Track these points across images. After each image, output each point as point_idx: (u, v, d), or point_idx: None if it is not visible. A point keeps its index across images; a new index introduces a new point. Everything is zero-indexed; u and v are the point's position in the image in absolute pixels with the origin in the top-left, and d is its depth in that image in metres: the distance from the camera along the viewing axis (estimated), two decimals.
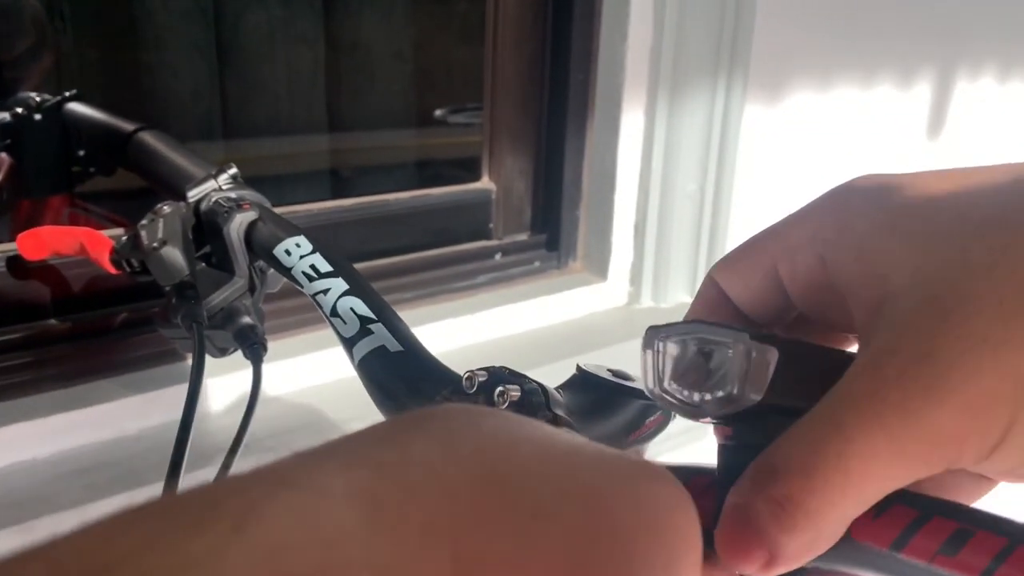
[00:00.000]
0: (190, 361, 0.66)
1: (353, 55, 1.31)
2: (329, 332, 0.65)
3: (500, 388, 0.35)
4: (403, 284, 0.79)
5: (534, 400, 0.35)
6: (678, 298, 0.90)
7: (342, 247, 0.77)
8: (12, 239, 0.62)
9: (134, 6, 1.12)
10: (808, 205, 0.26)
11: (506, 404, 0.34)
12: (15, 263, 0.63)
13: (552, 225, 0.88)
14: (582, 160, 0.85)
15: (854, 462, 0.20)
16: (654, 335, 0.27)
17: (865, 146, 1.07)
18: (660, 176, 0.85)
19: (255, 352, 0.48)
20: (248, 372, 0.49)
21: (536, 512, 0.16)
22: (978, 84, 1.19)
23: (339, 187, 1.32)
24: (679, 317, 0.89)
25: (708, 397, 0.26)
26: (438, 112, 1.38)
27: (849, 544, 0.23)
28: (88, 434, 0.60)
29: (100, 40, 1.11)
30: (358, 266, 0.76)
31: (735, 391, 0.25)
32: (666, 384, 0.27)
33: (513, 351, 0.79)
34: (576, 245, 0.89)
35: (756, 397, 0.25)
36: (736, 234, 0.92)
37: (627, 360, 0.85)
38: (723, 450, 0.27)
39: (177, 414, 0.63)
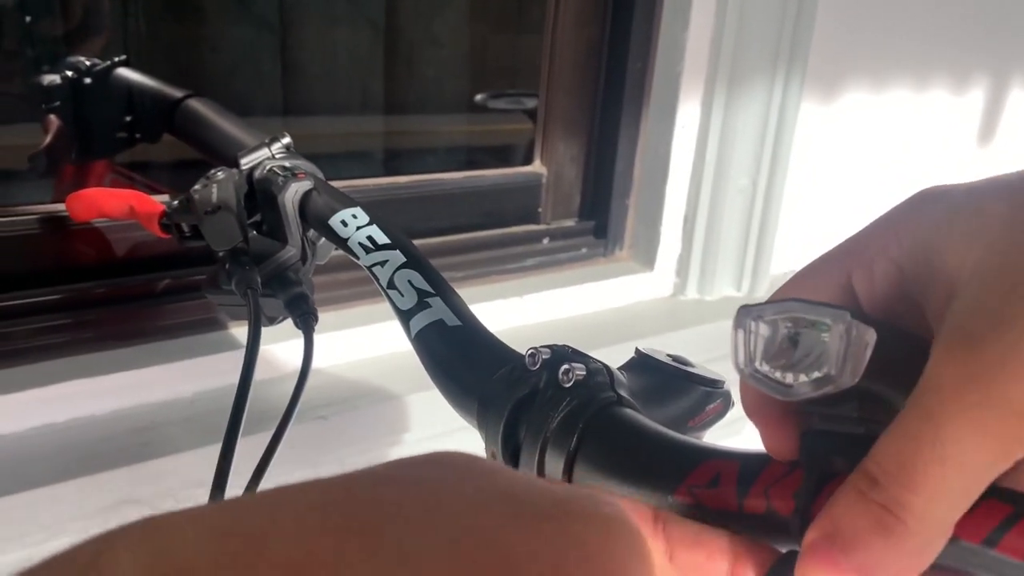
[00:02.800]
0: (232, 329, 0.66)
1: (408, 40, 1.30)
2: (379, 305, 0.65)
3: (565, 366, 0.33)
4: (451, 263, 0.78)
5: (599, 380, 0.34)
6: (724, 291, 0.88)
7: (393, 223, 0.76)
8: (56, 200, 0.62)
9: None
10: (881, 218, 0.27)
11: (571, 382, 0.33)
12: (61, 223, 0.62)
13: (601, 213, 0.86)
14: (635, 149, 0.83)
15: (949, 449, 0.20)
16: (746, 314, 0.25)
17: (916, 148, 1.04)
18: (713, 169, 0.83)
19: (307, 321, 0.47)
20: (297, 342, 0.48)
21: (403, 559, 0.16)
22: None
23: (386, 166, 1.31)
24: (724, 311, 0.87)
25: (803, 378, 0.24)
26: (478, 97, 1.37)
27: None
28: (144, 394, 0.60)
29: (165, 14, 1.11)
30: None
31: (832, 372, 0.24)
32: (758, 364, 0.25)
33: (558, 336, 0.76)
34: (624, 234, 0.87)
35: (852, 380, 0.23)
36: (786, 230, 0.90)
37: (672, 350, 0.83)
38: (808, 437, 0.26)
39: (223, 381, 0.63)
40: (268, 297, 0.49)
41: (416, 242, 0.76)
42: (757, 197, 0.86)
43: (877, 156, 1.00)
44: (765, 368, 0.25)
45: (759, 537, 0.27)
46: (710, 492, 0.28)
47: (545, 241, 0.85)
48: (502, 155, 1.36)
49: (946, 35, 1.01)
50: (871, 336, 0.23)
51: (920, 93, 1.01)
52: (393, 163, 1.32)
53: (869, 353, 0.23)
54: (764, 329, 0.25)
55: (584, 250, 0.86)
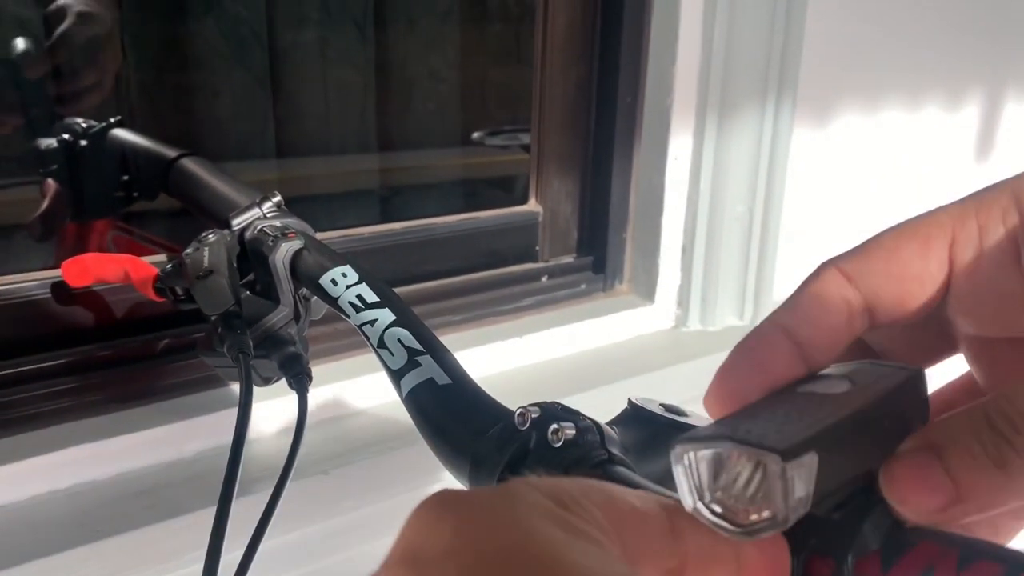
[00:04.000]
0: (233, 387, 0.66)
1: (397, 77, 1.31)
2: (372, 357, 0.65)
3: (554, 425, 0.33)
4: (450, 307, 0.78)
5: (589, 438, 0.33)
6: (727, 321, 0.88)
7: (390, 270, 0.76)
8: (57, 263, 0.62)
9: (189, 29, 1.13)
10: (979, 192, 0.25)
11: (560, 442, 0.33)
12: (59, 289, 0.63)
13: (598, 247, 0.86)
14: (629, 182, 0.84)
15: None
16: (683, 449, 0.25)
17: (911, 167, 1.04)
18: (708, 198, 0.83)
19: (300, 382, 0.47)
20: (291, 397, 0.48)
21: None
22: None
23: (381, 206, 1.32)
24: (728, 341, 0.86)
25: (754, 516, 0.24)
26: (476, 135, 1.38)
27: None
28: (146, 457, 0.60)
29: (153, 61, 1.12)
30: (405, 289, 0.77)
31: (780, 511, 0.23)
32: (706, 501, 0.24)
33: (560, 374, 0.77)
34: (623, 267, 0.87)
35: (805, 509, 0.23)
36: (785, 256, 0.90)
37: (676, 384, 0.83)
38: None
39: (224, 439, 0.63)
40: (262, 359, 0.49)
41: (414, 287, 0.78)
42: (754, 224, 0.85)
43: (873, 176, 1.00)
44: (716, 505, 0.24)
45: None
46: None
47: (544, 279, 0.85)
48: (500, 187, 1.36)
49: (938, 52, 1.01)
50: (811, 462, 0.22)
51: (913, 112, 1.01)
52: (390, 201, 1.33)
53: (814, 481, 0.22)
54: (705, 462, 0.24)
55: (583, 286, 0.86)
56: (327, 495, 0.62)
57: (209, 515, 0.57)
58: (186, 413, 0.62)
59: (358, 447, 0.64)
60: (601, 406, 0.76)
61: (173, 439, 0.61)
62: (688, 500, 0.25)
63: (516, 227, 0.84)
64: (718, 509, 0.24)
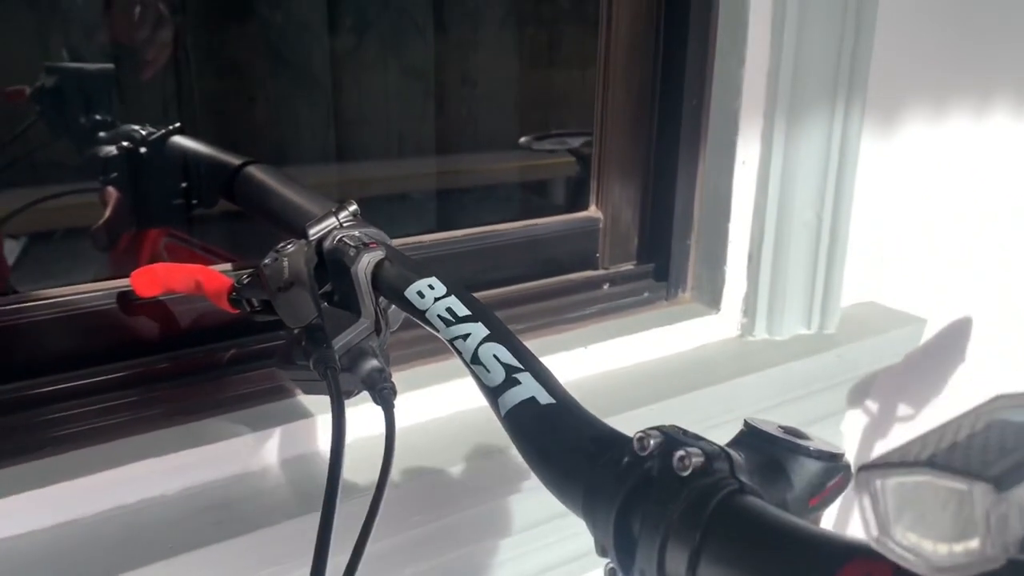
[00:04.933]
0: (300, 396, 0.65)
1: (452, 81, 1.30)
2: (439, 364, 0.63)
3: (680, 452, 0.31)
4: (512, 316, 0.76)
5: (718, 466, 0.31)
6: (794, 329, 0.85)
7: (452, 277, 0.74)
8: (114, 270, 0.61)
9: (248, 34, 1.12)
10: None
11: (688, 471, 0.31)
12: (124, 299, 0.62)
13: (661, 255, 0.84)
14: (694, 188, 0.81)
15: None
16: (870, 475, 0.23)
17: (979, 174, 1.01)
18: (776, 204, 0.81)
19: (386, 397, 0.46)
20: (365, 406, 0.47)
21: None
22: None
23: (435, 209, 1.31)
24: (796, 350, 0.83)
25: (953, 550, 0.21)
26: (523, 139, 1.36)
27: None
28: (213, 471, 0.59)
29: (214, 67, 1.12)
30: None
31: (982, 547, 0.21)
32: (892, 531, 0.22)
33: (626, 385, 0.75)
34: (686, 275, 0.85)
35: (1004, 555, 0.21)
36: (853, 263, 0.87)
37: (745, 394, 0.80)
38: None
39: (292, 451, 0.62)
40: (344, 372, 0.48)
41: (476, 295, 0.76)
42: (823, 231, 0.83)
43: (940, 183, 0.97)
44: (902, 536, 0.22)
45: None
46: None
47: (605, 287, 0.83)
48: (552, 191, 1.35)
49: (1008, 55, 0.98)
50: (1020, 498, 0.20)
51: (982, 116, 0.98)
52: (445, 203, 1.32)
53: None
54: (897, 489, 0.22)
55: (646, 294, 0.84)
56: (395, 509, 0.60)
57: (279, 531, 0.56)
58: (253, 425, 0.61)
59: (430, 459, 0.62)
60: (670, 419, 0.74)
61: (240, 452, 0.60)
62: (873, 530, 0.23)
63: (577, 234, 0.82)
64: (907, 542, 0.22)
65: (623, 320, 0.81)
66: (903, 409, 1.02)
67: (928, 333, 0.99)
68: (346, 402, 0.48)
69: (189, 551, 0.53)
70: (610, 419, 0.70)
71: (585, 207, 0.84)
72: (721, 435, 0.77)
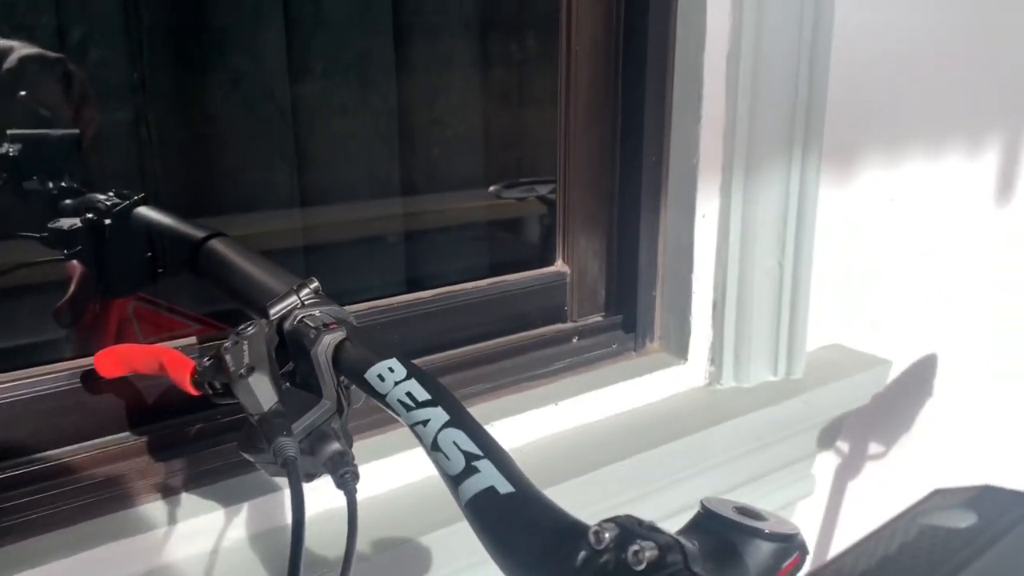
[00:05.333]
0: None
1: (416, 129, 1.31)
2: (399, 433, 0.63)
3: (635, 546, 0.32)
4: (482, 374, 0.76)
5: (671, 559, 0.32)
6: (761, 376, 0.86)
7: (419, 339, 0.75)
8: (81, 343, 0.61)
9: (207, 81, 1.13)
10: None
11: (643, 564, 0.31)
12: (89, 378, 0.61)
13: (628, 306, 0.85)
14: (657, 240, 0.83)
15: None
16: None
17: (934, 214, 1.03)
18: (738, 254, 0.82)
19: (348, 481, 0.46)
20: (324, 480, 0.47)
21: None
22: None
23: (405, 250, 1.31)
24: (763, 398, 0.84)
25: None
26: (492, 188, 1.37)
27: None
28: (184, 548, 0.58)
29: (172, 115, 1.12)
30: (435, 357, 0.75)
31: None
32: None
33: (597, 440, 0.75)
34: (653, 325, 0.86)
35: None
36: (817, 308, 0.89)
37: (714, 443, 0.81)
38: None
39: (265, 526, 0.61)
40: (305, 455, 0.48)
41: (444, 355, 0.76)
42: (785, 278, 0.84)
43: (898, 225, 0.99)
44: None
45: None
46: None
47: (575, 340, 0.83)
48: (520, 232, 1.35)
49: (958, 99, 1.01)
50: None
51: (935, 159, 1.00)
52: (409, 247, 1.32)
53: None
54: None
55: (615, 346, 0.85)
56: None
57: None
58: (224, 501, 0.61)
59: (400, 529, 0.62)
60: (643, 472, 0.74)
61: (210, 529, 0.60)
62: None
63: (544, 288, 0.83)
64: None
65: (593, 373, 0.82)
66: (874, 448, 1.03)
67: (894, 373, 1.00)
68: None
69: None
70: (583, 476, 0.70)
71: (553, 256, 0.85)
72: (693, 487, 0.78)
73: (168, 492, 0.61)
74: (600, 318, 0.86)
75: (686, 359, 0.84)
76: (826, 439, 0.90)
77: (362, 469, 0.65)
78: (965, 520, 0.22)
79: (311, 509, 0.62)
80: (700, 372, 0.86)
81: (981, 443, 1.21)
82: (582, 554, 0.33)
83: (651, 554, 0.31)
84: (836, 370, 0.89)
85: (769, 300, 0.85)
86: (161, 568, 0.58)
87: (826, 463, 1.01)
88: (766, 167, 0.80)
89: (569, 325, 0.84)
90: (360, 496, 0.66)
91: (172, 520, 0.59)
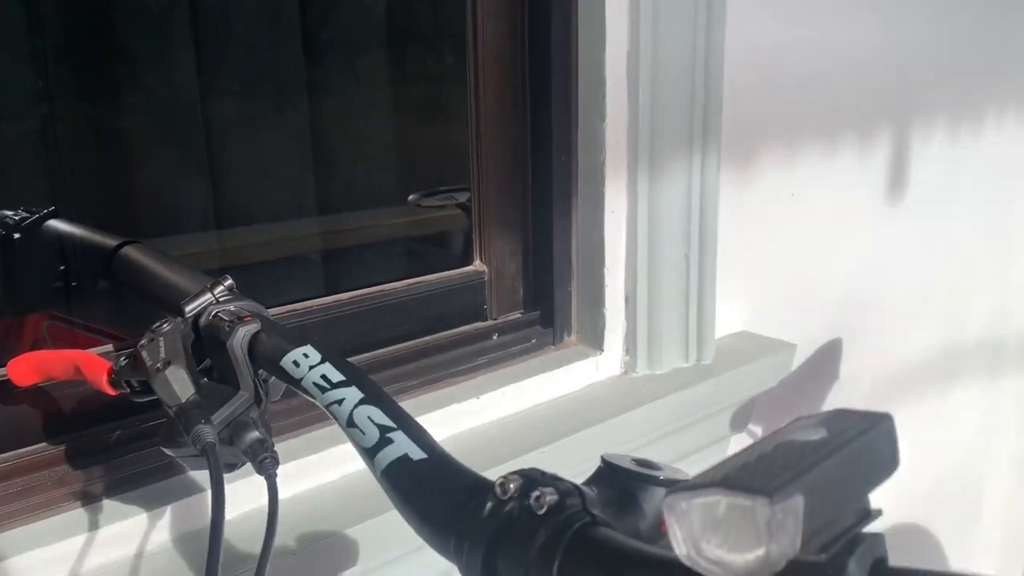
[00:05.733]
0: (193, 473, 0.65)
1: (330, 144, 1.32)
2: (331, 430, 0.64)
3: (536, 492, 0.34)
4: (404, 373, 0.78)
5: (570, 503, 0.34)
6: (673, 363, 0.90)
7: (340, 341, 0.76)
8: None
9: (119, 107, 1.12)
10: None
11: (544, 508, 0.34)
12: (2, 388, 0.61)
13: (545, 302, 0.88)
14: (570, 237, 0.86)
15: None
16: (675, 499, 0.26)
17: (829, 208, 1.09)
18: (646, 248, 0.86)
19: (268, 467, 0.47)
20: (255, 477, 0.48)
21: None
22: (932, 144, 1.23)
23: (322, 272, 1.32)
24: (676, 382, 0.88)
25: (746, 558, 0.25)
26: (411, 197, 1.39)
27: None
28: (107, 554, 0.58)
29: (84, 142, 1.11)
30: (357, 358, 0.76)
31: (771, 555, 0.24)
32: (699, 548, 0.26)
33: (518, 431, 0.78)
34: (570, 320, 0.89)
35: (793, 551, 0.24)
36: (724, 297, 0.93)
37: (631, 428, 0.84)
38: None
39: (189, 527, 0.62)
40: (225, 445, 0.49)
41: (366, 355, 0.78)
42: (691, 269, 0.88)
43: (797, 216, 1.05)
44: (708, 550, 0.26)
45: None
46: None
47: (495, 337, 0.86)
48: (441, 246, 1.37)
49: (850, 96, 1.07)
50: (799, 505, 0.24)
51: (830, 158, 1.06)
52: (331, 264, 1.33)
53: (801, 523, 0.24)
54: (697, 512, 0.26)
55: (534, 340, 0.87)
56: (295, 575, 0.61)
57: None
58: (146, 505, 0.61)
59: (325, 523, 0.63)
60: (563, 458, 0.77)
61: (133, 534, 0.60)
62: (682, 548, 0.26)
63: (463, 288, 0.85)
64: (712, 555, 0.25)
65: (513, 368, 0.84)
66: None
67: (800, 357, 1.05)
68: (244, 473, 0.49)
69: None
70: (505, 465, 0.73)
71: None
72: None
73: (88, 499, 0.61)
74: (519, 315, 0.88)
75: (602, 350, 0.87)
76: (738, 422, 0.95)
77: (288, 467, 0.67)
78: (817, 435, 0.25)
79: (237, 508, 0.63)
80: (616, 362, 0.89)
81: None
82: (489, 505, 0.35)
83: (551, 499, 0.34)
84: (744, 355, 0.93)
85: (678, 291, 0.89)
86: (84, 574, 0.57)
87: (740, 445, 1.05)
88: (669, 164, 0.85)
89: (489, 323, 0.87)
90: (286, 493, 0.67)
91: (93, 526, 0.58)
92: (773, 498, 0.24)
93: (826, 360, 1.14)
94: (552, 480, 0.35)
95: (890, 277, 1.21)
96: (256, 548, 0.60)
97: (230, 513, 0.63)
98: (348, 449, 0.68)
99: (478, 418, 0.78)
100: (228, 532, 0.62)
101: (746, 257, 0.99)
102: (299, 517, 0.64)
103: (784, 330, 1.01)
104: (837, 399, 1.17)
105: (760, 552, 0.24)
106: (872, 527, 0.28)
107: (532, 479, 0.35)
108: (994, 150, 1.34)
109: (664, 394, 0.85)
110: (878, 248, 1.18)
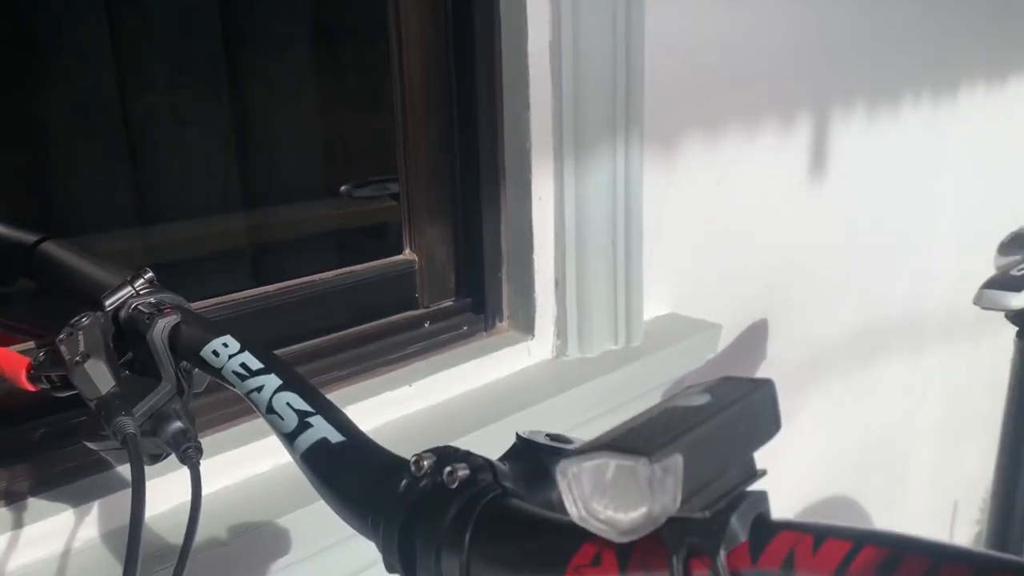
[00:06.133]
0: (120, 469, 0.64)
1: (256, 136, 1.31)
2: (260, 422, 0.65)
3: (449, 468, 0.35)
4: (336, 362, 0.78)
5: (482, 477, 0.35)
6: (604, 346, 0.92)
7: (270, 333, 0.76)
8: None
9: (36, 102, 1.09)
10: None
11: (456, 483, 0.35)
12: None
13: (476, 289, 0.89)
14: (499, 224, 0.87)
15: None
16: (566, 465, 0.28)
17: (752, 190, 1.12)
18: (574, 233, 0.87)
19: (190, 456, 0.47)
20: (184, 472, 0.48)
21: None
22: (852, 126, 1.27)
23: (252, 266, 1.30)
24: (607, 365, 0.90)
25: (632, 516, 0.27)
26: (343, 188, 1.38)
27: None
28: (33, 552, 0.58)
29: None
30: (288, 349, 0.77)
31: (653, 508, 0.26)
32: (590, 509, 0.28)
33: (451, 416, 0.79)
34: (502, 306, 0.90)
35: (675, 506, 0.26)
36: (651, 281, 0.95)
37: (563, 410, 0.86)
38: (668, 523, 0.28)
39: (117, 523, 0.61)
40: (148, 436, 0.49)
41: (297, 347, 0.78)
42: (618, 254, 0.90)
43: (720, 201, 1.08)
44: (598, 510, 0.27)
45: None
46: (594, 570, 0.30)
47: (426, 325, 0.86)
48: (374, 237, 1.37)
49: (771, 79, 1.10)
50: (676, 463, 0.26)
51: (751, 138, 1.09)
52: (260, 261, 1.32)
53: (680, 481, 0.26)
54: (587, 476, 0.27)
55: (465, 328, 0.88)
56: (227, 567, 0.61)
57: None
58: (73, 502, 0.60)
59: (255, 515, 0.64)
60: (495, 442, 0.78)
61: (60, 531, 0.59)
62: (575, 511, 0.27)
63: (394, 277, 0.86)
64: (602, 515, 0.27)
65: (446, 355, 0.85)
66: None
67: (727, 337, 1.08)
68: (173, 467, 0.49)
69: None
70: None
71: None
72: None
73: (12, 498, 0.60)
74: (451, 302, 0.89)
75: (533, 335, 0.89)
76: None
77: (218, 459, 0.67)
78: (700, 400, 0.27)
79: (167, 502, 0.63)
80: (547, 346, 0.90)
81: (813, 399, 1.33)
82: (404, 482, 0.36)
83: (463, 474, 0.35)
84: (672, 336, 0.96)
85: (606, 275, 0.90)
86: (8, 573, 0.57)
87: None
88: (594, 151, 0.86)
89: (421, 311, 0.87)
90: (217, 485, 0.67)
91: (17, 525, 0.58)
92: (652, 458, 0.25)
93: (753, 339, 1.17)
94: (465, 456, 0.37)
95: (814, 257, 1.25)
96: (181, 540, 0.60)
97: (159, 507, 0.63)
98: (278, 440, 0.69)
99: (410, 405, 0.79)
100: (157, 525, 0.62)
101: (672, 241, 1.01)
102: (230, 509, 0.64)
103: (711, 312, 1.04)
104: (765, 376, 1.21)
105: (643, 510, 0.26)
106: (756, 486, 0.30)
107: (445, 455, 0.36)
108: (912, 130, 1.39)
109: (595, 376, 0.87)
110: (801, 229, 1.22)
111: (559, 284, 0.89)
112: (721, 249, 1.09)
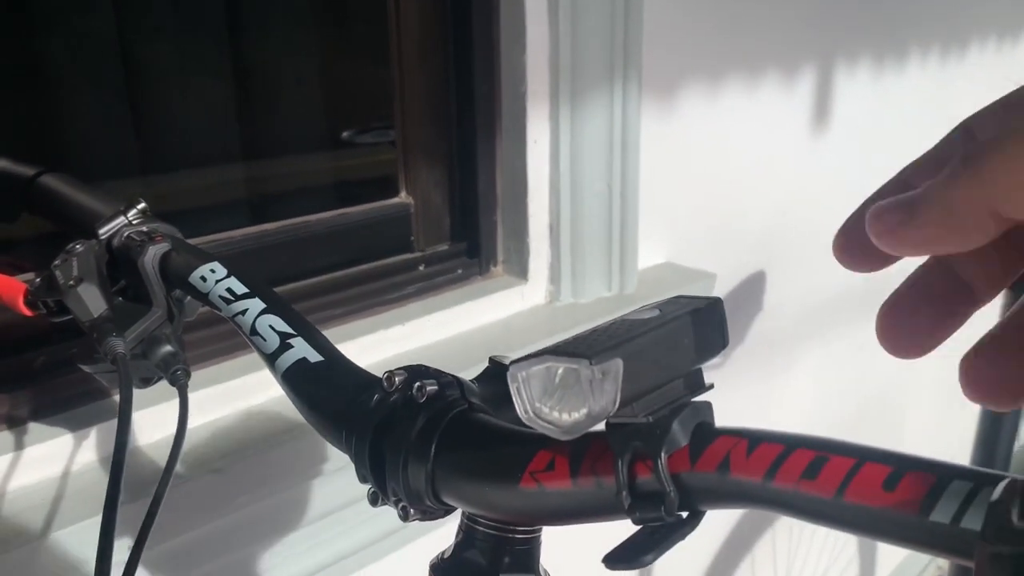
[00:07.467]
0: (115, 397, 0.66)
1: (258, 83, 1.31)
2: (252, 356, 0.66)
3: (418, 383, 0.36)
4: (332, 301, 0.80)
5: (450, 392, 0.37)
6: (597, 293, 0.93)
7: (267, 271, 0.77)
8: None
9: (35, 43, 1.10)
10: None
11: (424, 398, 0.36)
12: None
13: (471, 233, 0.90)
14: (494, 168, 0.88)
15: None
16: (516, 369, 0.29)
17: (752, 141, 1.12)
18: (569, 178, 0.88)
19: (179, 378, 0.49)
20: (192, 397, 0.50)
21: None
22: (856, 78, 1.26)
23: (253, 215, 1.31)
24: (599, 312, 0.92)
25: (575, 416, 0.28)
26: (345, 134, 1.39)
27: (729, 482, 0.26)
28: (32, 474, 0.60)
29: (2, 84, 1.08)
30: (286, 288, 0.78)
31: (593, 409, 0.28)
32: (536, 410, 0.29)
33: (443, 355, 0.80)
34: (496, 250, 0.91)
35: (613, 408, 0.27)
36: (647, 228, 0.96)
37: None
38: (611, 427, 0.29)
39: (111, 448, 0.63)
40: (140, 360, 0.50)
41: (294, 285, 0.79)
42: (614, 200, 0.91)
43: (719, 150, 1.08)
44: (543, 412, 0.29)
45: (593, 509, 0.31)
46: (548, 475, 0.31)
47: (421, 268, 0.88)
48: (375, 185, 1.38)
49: (773, 33, 1.10)
50: (615, 367, 0.27)
51: (751, 91, 1.09)
52: (262, 209, 1.32)
53: (619, 383, 0.27)
54: (534, 378, 0.29)
55: (460, 271, 0.90)
56: (222, 493, 0.63)
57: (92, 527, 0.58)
58: (72, 427, 0.62)
59: (249, 443, 0.66)
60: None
61: (59, 454, 0.61)
62: (522, 411, 0.29)
63: (389, 219, 0.87)
64: (548, 416, 0.29)
65: (440, 297, 0.87)
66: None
67: (722, 287, 1.09)
68: (172, 396, 0.51)
69: (20, 547, 0.55)
70: None
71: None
72: None
73: (13, 422, 0.62)
74: (446, 246, 0.90)
75: (527, 279, 0.90)
76: None
77: (214, 389, 0.69)
78: (649, 314, 0.28)
79: (160, 431, 0.65)
80: (541, 291, 0.92)
81: (810, 351, 1.34)
82: (376, 397, 0.38)
83: (432, 389, 0.36)
84: (665, 284, 0.97)
85: (601, 221, 0.91)
86: (8, 492, 0.59)
87: None
88: (590, 94, 0.86)
89: (416, 254, 0.89)
90: (213, 415, 0.69)
91: (19, 447, 0.60)
92: (592, 360, 0.26)
93: (749, 291, 1.18)
94: (435, 373, 0.38)
95: (813, 209, 1.25)
96: (182, 468, 0.63)
97: (155, 434, 0.65)
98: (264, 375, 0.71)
99: (404, 344, 0.81)
100: (154, 452, 0.64)
101: (670, 189, 1.01)
102: (226, 438, 0.66)
103: (707, 262, 1.05)
104: (761, 329, 1.22)
105: (584, 410, 0.27)
106: (703, 397, 0.31)
107: (416, 372, 0.38)
108: (918, 85, 1.38)
109: (587, 322, 0.88)
110: (801, 180, 1.22)
111: (553, 229, 0.90)
112: (719, 198, 1.09)
